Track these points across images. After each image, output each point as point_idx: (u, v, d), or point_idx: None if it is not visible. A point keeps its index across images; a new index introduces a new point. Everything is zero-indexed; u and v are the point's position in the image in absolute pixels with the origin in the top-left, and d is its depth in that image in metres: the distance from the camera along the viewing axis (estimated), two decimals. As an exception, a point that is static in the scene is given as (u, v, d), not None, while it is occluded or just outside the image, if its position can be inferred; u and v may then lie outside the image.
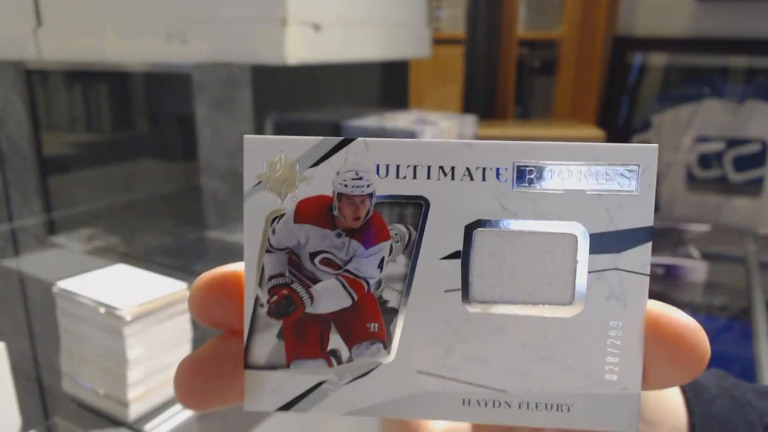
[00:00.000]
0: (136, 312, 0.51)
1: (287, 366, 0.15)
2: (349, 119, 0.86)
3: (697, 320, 0.16)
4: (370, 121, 0.86)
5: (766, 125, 1.38)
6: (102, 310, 0.51)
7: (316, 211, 0.14)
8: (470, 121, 0.96)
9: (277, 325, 0.15)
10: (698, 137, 1.45)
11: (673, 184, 1.49)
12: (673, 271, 0.83)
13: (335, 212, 0.14)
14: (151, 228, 1.00)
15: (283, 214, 0.14)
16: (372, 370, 0.15)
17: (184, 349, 0.56)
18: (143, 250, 0.97)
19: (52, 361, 0.96)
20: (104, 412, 0.53)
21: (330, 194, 0.14)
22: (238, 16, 0.68)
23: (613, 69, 1.52)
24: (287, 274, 0.15)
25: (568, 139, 1.08)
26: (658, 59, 1.49)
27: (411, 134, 0.80)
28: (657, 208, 1.52)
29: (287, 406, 0.15)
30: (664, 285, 0.83)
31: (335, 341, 0.15)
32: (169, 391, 0.55)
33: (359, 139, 0.14)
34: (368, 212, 0.14)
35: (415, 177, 0.14)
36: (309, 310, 0.15)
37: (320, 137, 0.14)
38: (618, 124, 1.54)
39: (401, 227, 0.15)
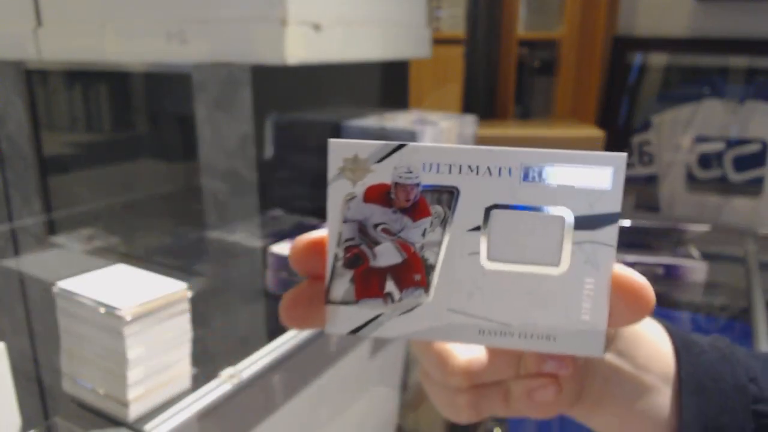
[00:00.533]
0: (136, 312, 0.51)
1: (356, 302, 0.21)
2: (350, 119, 0.86)
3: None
4: (370, 121, 0.86)
5: (766, 125, 1.38)
6: (102, 310, 0.51)
7: (379, 195, 0.20)
8: (470, 121, 0.96)
9: (349, 273, 0.20)
10: (698, 137, 1.45)
11: (673, 184, 1.49)
12: (673, 271, 0.83)
13: (392, 196, 0.20)
14: (151, 228, 1.00)
15: (355, 196, 0.20)
16: (415, 307, 0.20)
17: (184, 349, 0.56)
18: (143, 250, 0.97)
19: (52, 361, 0.96)
20: (104, 412, 0.53)
21: (389, 183, 0.20)
22: (238, 16, 0.68)
23: (613, 69, 1.52)
24: (358, 238, 0.20)
25: (568, 138, 1.08)
26: (658, 59, 1.49)
27: (411, 134, 0.80)
28: (657, 209, 1.52)
29: (355, 331, 0.21)
30: (664, 285, 0.82)
31: (390, 286, 0.20)
32: (169, 390, 0.55)
33: (411, 144, 0.20)
34: (416, 196, 0.20)
35: (450, 172, 0.20)
36: (372, 263, 0.20)
37: (383, 142, 0.20)
38: (618, 124, 1.54)
39: (439, 207, 0.20)
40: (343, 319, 0.20)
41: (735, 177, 1.42)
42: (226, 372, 0.58)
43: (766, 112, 1.38)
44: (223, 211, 0.75)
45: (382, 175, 0.20)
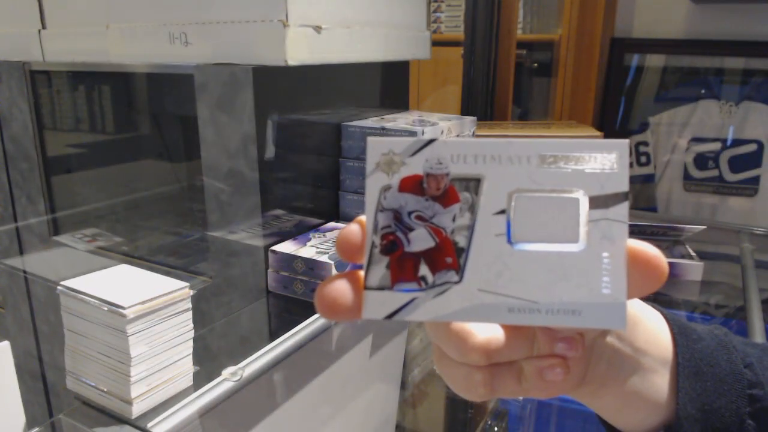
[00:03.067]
0: (138, 310, 0.51)
1: (392, 287, 0.22)
2: (350, 120, 0.86)
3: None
4: (371, 121, 0.86)
5: (761, 126, 1.39)
6: (105, 308, 0.51)
7: (412, 185, 0.22)
8: (469, 122, 0.97)
9: (385, 259, 0.22)
10: (694, 138, 1.46)
11: (670, 184, 1.50)
12: (669, 270, 0.84)
13: (424, 185, 0.22)
14: (154, 228, 1.00)
15: (391, 187, 0.22)
16: (447, 289, 0.21)
17: (186, 347, 0.57)
18: (146, 250, 0.97)
19: (56, 359, 0.96)
20: (108, 410, 0.54)
21: (421, 174, 0.21)
22: (239, 18, 0.69)
23: (610, 70, 1.53)
24: (393, 225, 0.22)
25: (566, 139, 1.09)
26: (655, 61, 1.50)
27: (412, 135, 0.81)
28: (654, 208, 1.53)
29: (390, 315, 0.22)
30: (661, 284, 0.83)
31: (424, 270, 0.22)
32: (171, 388, 0.55)
33: (440, 139, 0.22)
34: (446, 185, 0.21)
35: (475, 162, 0.21)
36: (407, 249, 0.22)
37: (416, 138, 0.22)
38: (615, 125, 1.55)
39: (467, 194, 0.21)
40: (379, 304, 0.21)
41: (731, 177, 1.42)
42: (228, 370, 0.59)
43: (762, 113, 1.39)
44: (225, 211, 0.76)
45: (415, 167, 0.21)
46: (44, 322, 1.00)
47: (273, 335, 0.66)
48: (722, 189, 1.43)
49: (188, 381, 0.57)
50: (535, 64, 1.68)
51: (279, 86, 0.74)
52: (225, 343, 0.71)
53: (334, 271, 0.71)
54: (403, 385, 0.87)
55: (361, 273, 0.22)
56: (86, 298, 0.53)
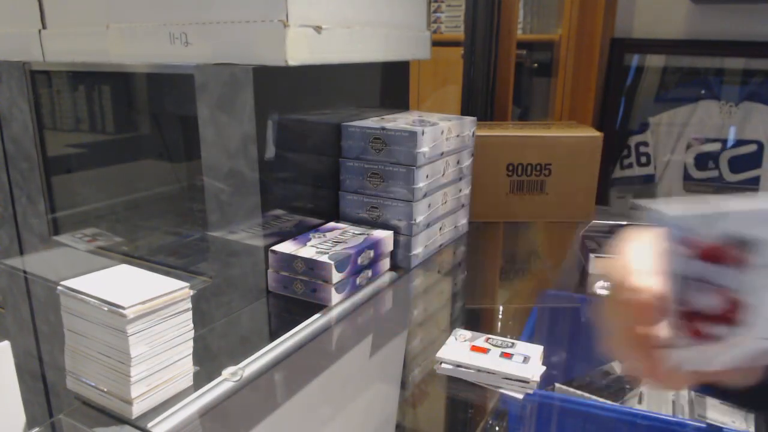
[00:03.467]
0: (138, 310, 0.51)
1: (688, 345, 0.26)
2: (350, 120, 0.86)
3: None
4: (371, 122, 0.86)
5: (761, 126, 1.39)
6: (105, 308, 0.51)
7: (702, 252, 0.25)
8: (469, 122, 0.97)
9: (683, 322, 0.26)
10: (695, 138, 1.46)
11: (671, 185, 1.50)
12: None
13: (710, 252, 0.25)
14: (154, 228, 1.00)
15: (684, 257, 0.25)
16: (734, 341, 0.25)
17: (186, 347, 0.57)
18: (146, 250, 0.97)
19: (57, 359, 0.96)
20: (108, 410, 0.54)
21: (707, 241, 0.25)
22: (240, 18, 0.69)
23: (610, 71, 1.53)
24: (687, 290, 0.26)
25: (567, 139, 1.09)
26: (655, 61, 1.50)
27: (412, 134, 0.81)
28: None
29: (685, 368, 0.27)
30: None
31: (714, 327, 0.26)
32: (171, 388, 0.56)
33: (722, 212, 0.25)
34: (728, 249, 0.25)
35: (749, 224, 0.25)
36: (699, 310, 0.26)
37: (703, 213, 0.25)
38: (615, 125, 1.55)
39: (746, 254, 0.25)
40: (676, 360, 0.26)
41: (731, 177, 1.43)
42: (228, 370, 0.59)
43: (762, 113, 1.39)
44: (225, 211, 0.76)
45: (702, 236, 0.25)
46: (44, 322, 1.00)
47: (273, 335, 0.66)
48: (722, 189, 1.43)
49: (188, 381, 0.57)
50: (535, 64, 1.68)
51: (279, 86, 0.74)
52: (225, 343, 0.71)
53: (334, 272, 0.71)
54: (403, 385, 0.87)
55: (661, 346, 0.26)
56: (86, 298, 0.53)
